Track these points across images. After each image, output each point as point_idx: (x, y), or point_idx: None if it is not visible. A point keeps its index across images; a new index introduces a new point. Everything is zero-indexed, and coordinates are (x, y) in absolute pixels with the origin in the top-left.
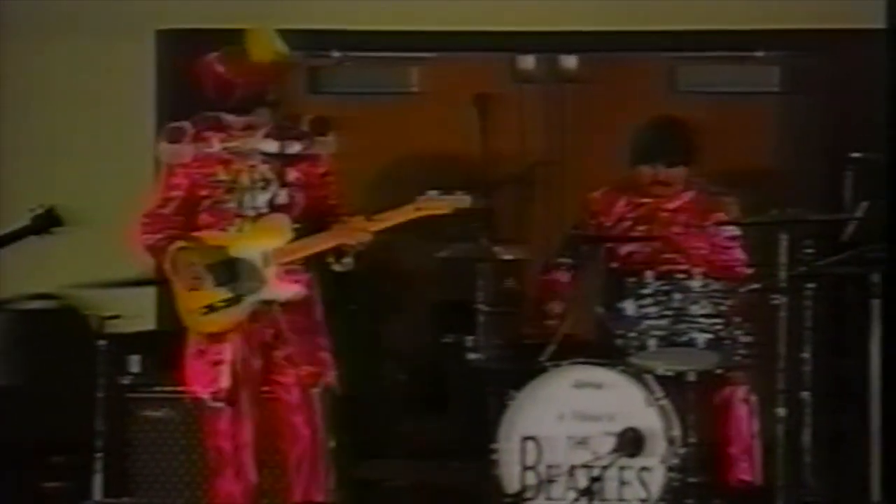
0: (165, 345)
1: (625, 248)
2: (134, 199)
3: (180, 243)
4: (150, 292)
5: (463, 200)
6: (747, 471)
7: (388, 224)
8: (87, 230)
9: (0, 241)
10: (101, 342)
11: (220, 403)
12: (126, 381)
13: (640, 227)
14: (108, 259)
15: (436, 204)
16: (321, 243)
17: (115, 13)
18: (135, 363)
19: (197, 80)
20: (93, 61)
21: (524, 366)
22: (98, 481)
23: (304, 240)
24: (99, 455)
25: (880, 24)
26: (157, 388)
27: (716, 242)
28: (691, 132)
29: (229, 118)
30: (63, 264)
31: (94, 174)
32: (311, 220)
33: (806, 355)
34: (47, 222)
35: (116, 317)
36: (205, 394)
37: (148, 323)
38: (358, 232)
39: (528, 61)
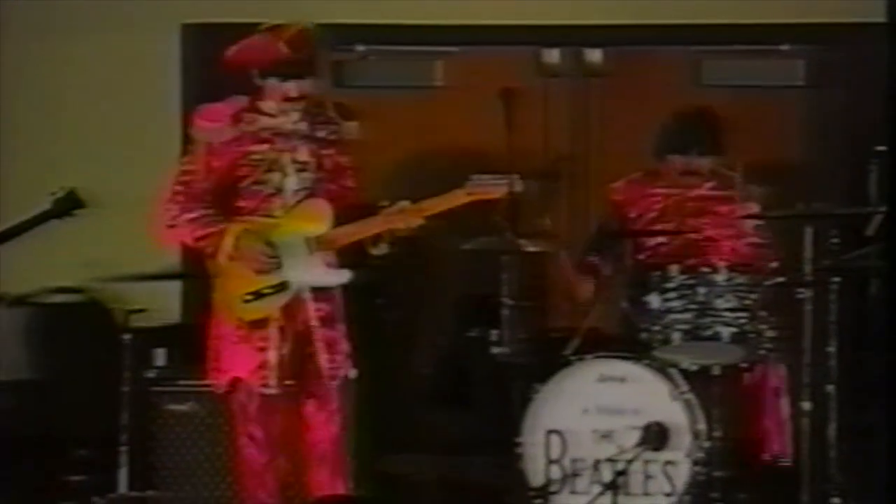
0: (190, 338)
1: (652, 241)
2: (160, 191)
3: (244, 224)
4: (175, 286)
5: (515, 184)
6: (780, 447)
7: (440, 209)
8: (115, 221)
9: (24, 226)
10: (126, 336)
11: (270, 389)
12: (151, 374)
13: (666, 218)
14: (134, 250)
15: (487, 189)
16: (370, 228)
17: (141, 7)
18: (160, 357)
19: (239, 59)
20: (119, 55)
21: (549, 360)
22: (123, 475)
23: (351, 225)
24: (123, 449)
25: None
26: (182, 382)
27: (743, 233)
28: (720, 122)
29: (265, 104)
30: (86, 255)
31: (121, 167)
32: (335, 206)
33: (831, 349)
34: (69, 204)
35: (141, 310)
36: (247, 379)
37: (173, 316)
38: (409, 217)
39: (552, 55)
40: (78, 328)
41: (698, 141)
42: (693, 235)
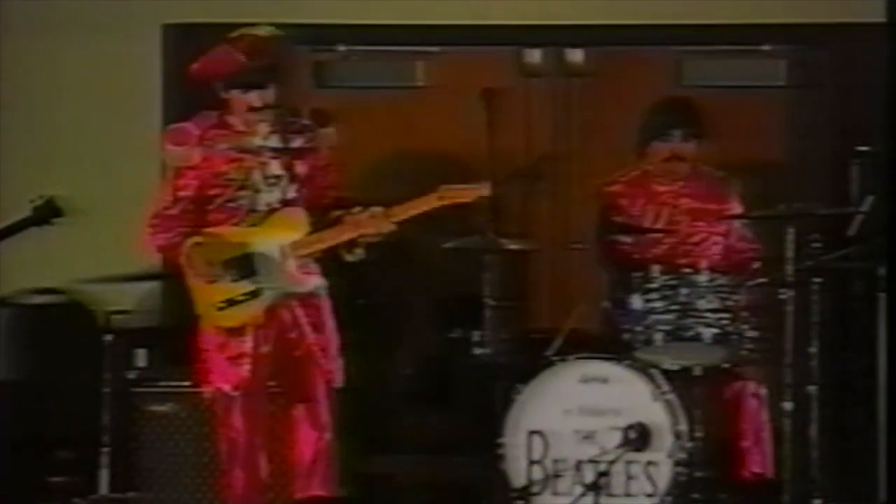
0: (172, 340)
1: (643, 241)
2: (141, 193)
3: (196, 238)
4: (156, 287)
5: (484, 189)
6: (759, 463)
7: (411, 213)
8: (95, 225)
9: (2, 234)
10: (108, 337)
11: (247, 397)
12: (132, 375)
13: (662, 216)
14: (115, 254)
15: (458, 193)
16: (341, 234)
17: (121, 8)
18: (141, 358)
19: (203, 72)
20: (99, 56)
21: (531, 360)
22: (104, 476)
23: (323, 232)
24: (105, 450)
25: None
26: (164, 383)
27: (730, 229)
28: (700, 108)
29: (233, 119)
30: (70, 259)
31: (101, 169)
32: (316, 213)
33: (813, 349)
34: (48, 212)
35: (123, 312)
36: (227, 387)
37: (154, 318)
38: (380, 222)
39: (534, 55)
40: (59, 329)
41: (679, 124)
42: (683, 236)
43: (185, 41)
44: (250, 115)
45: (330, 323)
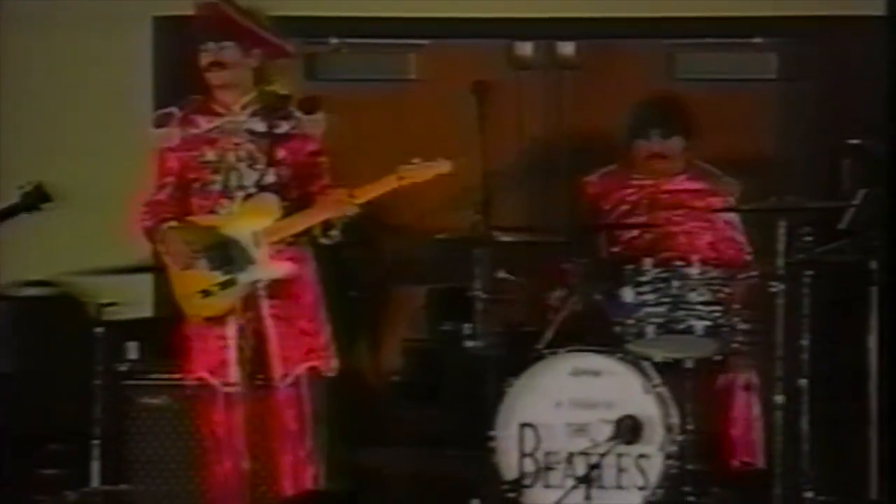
0: (163, 332)
1: (625, 234)
2: (133, 185)
3: (171, 223)
4: (147, 279)
5: (443, 165)
6: (750, 453)
7: (372, 195)
8: (87, 216)
9: None
10: (99, 329)
11: (228, 388)
12: (123, 368)
13: (639, 211)
14: (107, 244)
15: (417, 171)
16: (308, 219)
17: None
18: (132, 350)
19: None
20: (90, 47)
21: (522, 353)
22: (95, 468)
23: (291, 217)
24: (96, 442)
25: (878, 10)
26: (155, 376)
27: (718, 226)
28: (686, 106)
29: (216, 103)
30: (62, 251)
31: (93, 160)
32: (302, 200)
33: (804, 343)
34: (36, 198)
35: (114, 304)
36: (209, 377)
37: (145, 310)
38: (343, 204)
39: (525, 48)
40: (50, 321)
41: (659, 123)
42: (667, 229)
43: (175, 33)
44: (231, 100)
45: (309, 313)
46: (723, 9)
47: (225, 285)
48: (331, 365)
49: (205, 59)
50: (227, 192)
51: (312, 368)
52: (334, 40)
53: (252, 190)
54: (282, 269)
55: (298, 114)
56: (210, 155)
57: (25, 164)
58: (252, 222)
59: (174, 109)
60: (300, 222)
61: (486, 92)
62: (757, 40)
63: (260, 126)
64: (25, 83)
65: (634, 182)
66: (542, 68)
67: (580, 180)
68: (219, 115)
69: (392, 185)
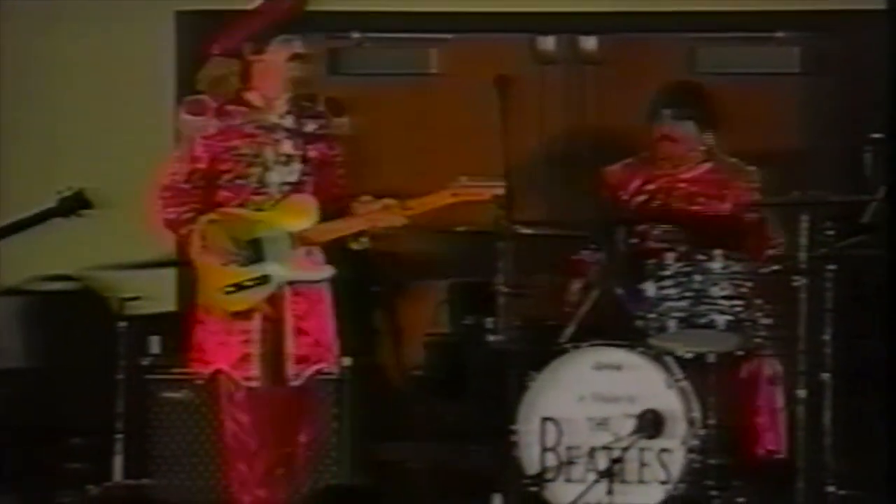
0: (185, 326)
1: (643, 225)
2: (155, 181)
3: (211, 216)
4: (170, 273)
5: (499, 187)
6: (773, 441)
7: (425, 209)
8: (108, 212)
9: (26, 223)
10: (122, 324)
11: (252, 382)
12: (146, 362)
13: (657, 201)
14: (128, 241)
15: (472, 190)
16: (353, 226)
17: None
18: (155, 344)
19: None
20: (114, 43)
21: (544, 347)
22: (118, 463)
23: (334, 222)
24: (119, 437)
25: None
26: (177, 370)
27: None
28: (704, 93)
29: (251, 95)
30: (84, 246)
31: (115, 156)
32: (325, 201)
33: (826, 337)
34: (75, 204)
35: (136, 298)
36: (232, 371)
37: (168, 304)
38: (393, 216)
39: (547, 43)
40: (73, 316)
41: (670, 104)
42: (686, 220)
43: (198, 28)
44: (271, 93)
45: (328, 312)
46: (745, 3)
47: (259, 281)
48: (340, 365)
49: (286, 52)
50: (260, 189)
51: (322, 370)
52: (356, 35)
53: (286, 188)
54: (320, 272)
55: (327, 114)
56: (246, 148)
57: (46, 160)
58: (289, 222)
59: (209, 98)
60: (344, 228)
61: (508, 86)
62: (779, 34)
63: (292, 123)
64: (45, 79)
65: (654, 173)
66: (564, 63)
67: (600, 170)
68: (255, 107)
69: (446, 201)
